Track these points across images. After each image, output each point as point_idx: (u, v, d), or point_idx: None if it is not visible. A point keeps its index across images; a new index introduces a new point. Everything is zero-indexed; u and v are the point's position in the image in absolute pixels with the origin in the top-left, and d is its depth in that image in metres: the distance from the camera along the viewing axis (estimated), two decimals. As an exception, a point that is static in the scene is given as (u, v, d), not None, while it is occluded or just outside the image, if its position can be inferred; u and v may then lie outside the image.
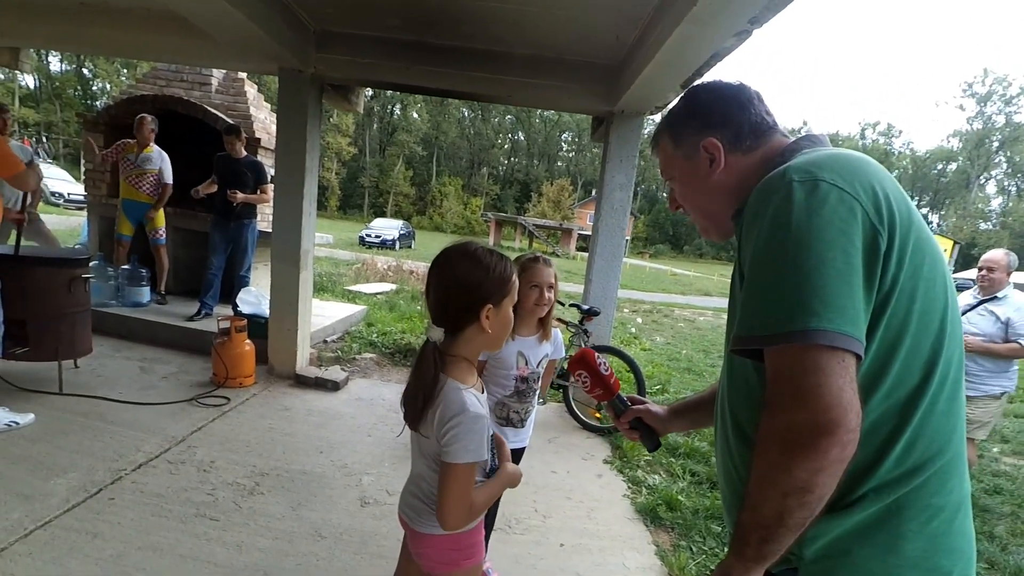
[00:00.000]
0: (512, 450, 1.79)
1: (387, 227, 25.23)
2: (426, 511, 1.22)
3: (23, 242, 3.33)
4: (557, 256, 31.51)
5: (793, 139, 0.94)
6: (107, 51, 6.29)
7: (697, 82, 1.06)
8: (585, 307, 3.99)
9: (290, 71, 3.86)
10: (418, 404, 1.13)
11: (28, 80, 37.12)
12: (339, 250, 17.52)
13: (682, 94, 1.03)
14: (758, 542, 0.76)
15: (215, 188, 4.69)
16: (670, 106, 1.05)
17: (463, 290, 1.13)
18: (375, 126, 64.35)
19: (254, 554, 2.09)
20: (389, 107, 67.21)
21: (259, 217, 5.05)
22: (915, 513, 0.76)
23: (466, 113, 70.93)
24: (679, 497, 2.87)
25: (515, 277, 1.20)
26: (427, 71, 3.90)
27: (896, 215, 0.74)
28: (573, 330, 4.06)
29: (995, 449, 4.31)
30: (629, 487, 3.05)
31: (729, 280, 0.95)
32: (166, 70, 5.93)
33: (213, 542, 2.12)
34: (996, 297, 3.13)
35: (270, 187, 4.76)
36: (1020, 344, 3.01)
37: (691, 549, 2.47)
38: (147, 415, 3.11)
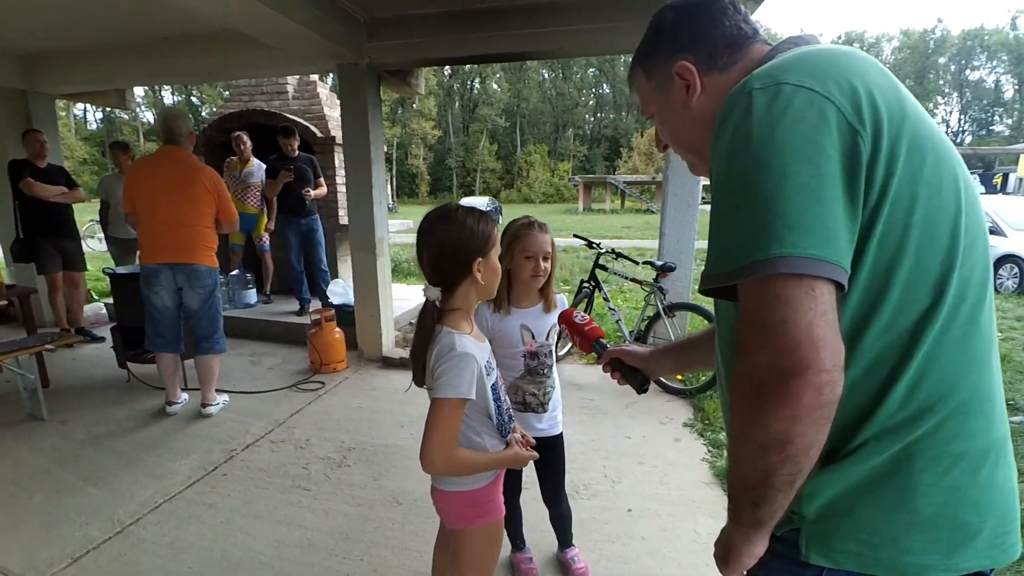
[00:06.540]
0: (542, 439, 1.69)
1: (473, 204, 25.72)
2: None
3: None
4: (652, 212, 30.18)
5: (774, 44, 0.80)
6: (190, 78, 6.81)
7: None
8: (659, 263, 3.81)
9: (347, 66, 4.01)
10: (421, 358, 1.22)
11: (148, 116, 42.63)
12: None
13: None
14: (750, 506, 0.69)
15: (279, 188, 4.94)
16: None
17: (453, 250, 1.20)
18: (456, 104, 65.06)
19: (339, 519, 2.31)
20: (468, 83, 67.54)
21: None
22: (928, 463, 0.65)
23: (546, 75, 69.25)
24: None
25: (495, 230, 1.26)
26: (478, 38, 3.85)
27: (882, 111, 0.62)
28: (648, 289, 3.91)
29: None
30: (709, 450, 2.92)
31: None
32: (248, 86, 6.43)
33: (304, 509, 2.38)
34: None
35: (322, 179, 5.15)
36: None
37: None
38: (255, 402, 3.53)
